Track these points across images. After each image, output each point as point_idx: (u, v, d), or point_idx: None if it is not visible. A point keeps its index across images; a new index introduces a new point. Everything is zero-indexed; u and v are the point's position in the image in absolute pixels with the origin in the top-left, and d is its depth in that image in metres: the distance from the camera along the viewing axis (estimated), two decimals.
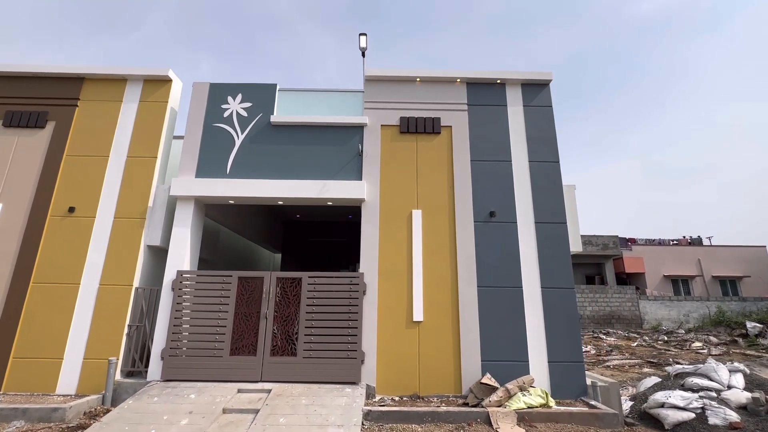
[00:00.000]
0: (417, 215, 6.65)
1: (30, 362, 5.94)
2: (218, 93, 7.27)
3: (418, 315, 6.20)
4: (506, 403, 5.25)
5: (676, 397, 5.84)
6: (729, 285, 24.21)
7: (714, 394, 5.94)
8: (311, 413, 5.01)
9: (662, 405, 5.88)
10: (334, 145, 7.01)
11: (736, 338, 15.99)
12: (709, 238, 27.61)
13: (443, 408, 5.21)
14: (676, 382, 6.55)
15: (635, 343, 16.74)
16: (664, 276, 24.21)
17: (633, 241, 27.14)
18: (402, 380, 5.96)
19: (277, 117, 7.05)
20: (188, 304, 6.21)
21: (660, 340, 17.27)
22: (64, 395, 5.80)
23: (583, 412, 5.15)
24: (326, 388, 5.74)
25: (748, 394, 5.72)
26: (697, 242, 28.02)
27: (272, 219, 12.10)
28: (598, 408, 5.34)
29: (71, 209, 6.58)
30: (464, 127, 7.10)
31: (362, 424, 4.93)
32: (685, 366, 6.86)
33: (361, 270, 6.42)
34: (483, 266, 6.42)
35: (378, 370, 5.97)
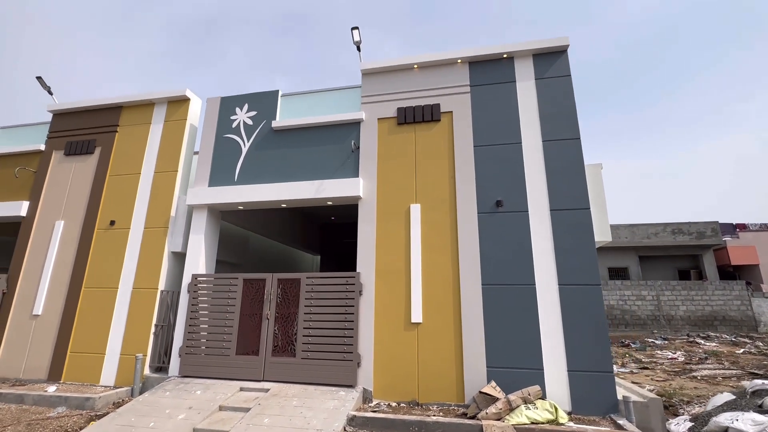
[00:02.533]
0: (415, 210, 6.24)
1: (82, 356, 6.87)
2: (228, 105, 7.68)
3: (416, 316, 5.80)
4: (506, 417, 4.62)
5: (745, 421, 4.61)
6: None
7: None
8: (296, 415, 4.97)
9: (726, 430, 4.68)
10: (332, 144, 6.93)
11: None
12: None
13: (432, 418, 4.77)
14: (752, 401, 5.18)
15: (741, 350, 13.87)
16: None
17: (742, 227, 22.56)
18: (400, 385, 5.62)
19: (277, 122, 7.21)
20: (202, 305, 6.63)
21: None
22: (105, 386, 6.59)
23: None
24: (321, 390, 5.66)
25: None
26: None
27: (308, 222, 12.49)
28: (625, 429, 4.42)
29: (112, 222, 7.48)
30: (466, 111, 6.50)
31: (344, 430, 4.74)
32: (766, 381, 5.39)
33: (358, 270, 6.23)
34: (488, 262, 5.78)
35: (375, 374, 5.72)
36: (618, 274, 21.56)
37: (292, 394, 5.55)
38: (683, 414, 6.55)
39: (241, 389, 5.84)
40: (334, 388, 5.68)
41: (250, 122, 7.44)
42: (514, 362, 5.35)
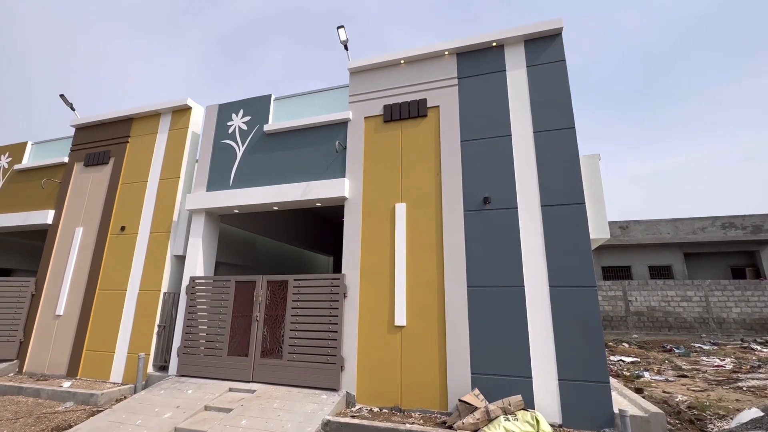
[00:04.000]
0: (401, 209, 6.05)
1: (95, 354, 7.32)
2: (225, 112, 7.88)
3: (400, 319, 5.61)
4: (483, 428, 4.33)
5: None
6: None
7: None
8: (273, 418, 4.96)
9: None
10: (321, 145, 6.90)
11: None
12: None
13: (406, 426, 4.58)
14: None
15: None
16: None
17: None
18: (383, 390, 5.46)
19: (269, 125, 7.29)
20: (199, 306, 6.84)
21: None
22: (113, 383, 6.98)
23: None
24: (305, 392, 5.63)
25: None
26: None
27: (320, 223, 12.60)
28: None
29: (122, 228, 7.92)
30: (454, 105, 6.21)
31: None
32: None
33: (343, 271, 6.14)
34: (474, 262, 5.47)
35: (358, 378, 5.60)
36: (660, 273, 19.90)
37: (275, 396, 5.56)
38: (713, 430, 5.86)
39: (230, 390, 5.95)
40: (317, 391, 5.63)
41: (244, 127, 7.59)
42: (501, 369, 5.01)
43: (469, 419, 4.43)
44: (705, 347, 14.48)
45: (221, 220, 8.12)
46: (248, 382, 6.09)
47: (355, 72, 7.01)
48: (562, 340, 4.88)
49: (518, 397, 4.55)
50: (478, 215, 5.63)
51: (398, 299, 5.69)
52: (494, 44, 6.23)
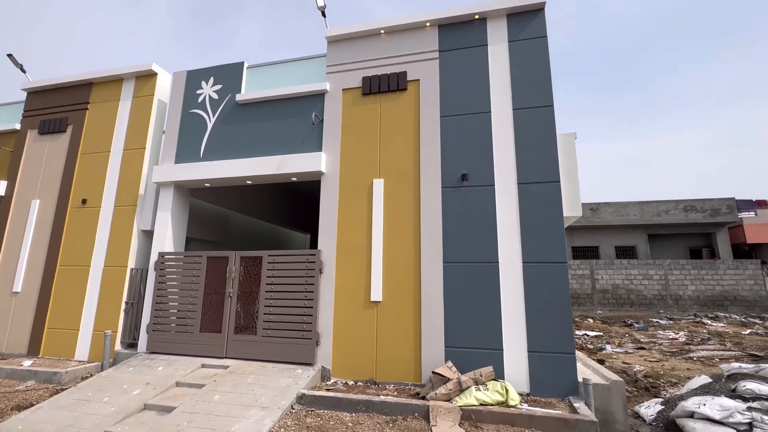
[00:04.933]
0: (378, 185, 5.96)
1: (58, 332, 7.01)
2: (194, 79, 7.43)
3: (376, 295, 5.62)
4: (455, 398, 4.46)
5: (713, 405, 4.33)
6: None
7: None
8: (247, 392, 4.93)
9: (692, 415, 4.42)
10: (296, 117, 6.64)
11: None
12: None
13: (380, 398, 4.65)
14: (726, 385, 4.86)
15: (748, 331, 13.34)
16: None
17: (763, 203, 21.36)
18: (358, 364, 5.51)
19: (241, 95, 6.94)
20: (169, 282, 6.61)
21: None
22: (79, 361, 6.73)
23: (549, 415, 4.09)
24: (279, 367, 5.61)
25: None
26: None
27: (297, 200, 12.35)
28: (578, 412, 4.20)
29: (84, 201, 7.46)
30: (434, 79, 6.07)
31: (291, 408, 4.68)
32: (744, 365, 5.05)
33: (319, 247, 6.05)
34: (451, 239, 5.50)
35: (334, 353, 5.62)
36: (625, 253, 20.88)
37: (249, 372, 5.52)
38: (666, 396, 6.29)
39: (203, 366, 5.86)
40: (292, 366, 5.62)
41: (215, 96, 7.20)
42: (474, 342, 5.14)
43: (441, 390, 4.55)
44: (662, 322, 15.46)
45: (192, 194, 7.79)
46: (221, 358, 6.01)
47: (333, 41, 6.71)
48: (532, 314, 5.03)
49: (489, 368, 4.69)
50: (455, 192, 5.63)
51: (375, 275, 5.68)
52: (477, 17, 6.08)
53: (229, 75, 7.20)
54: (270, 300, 6.00)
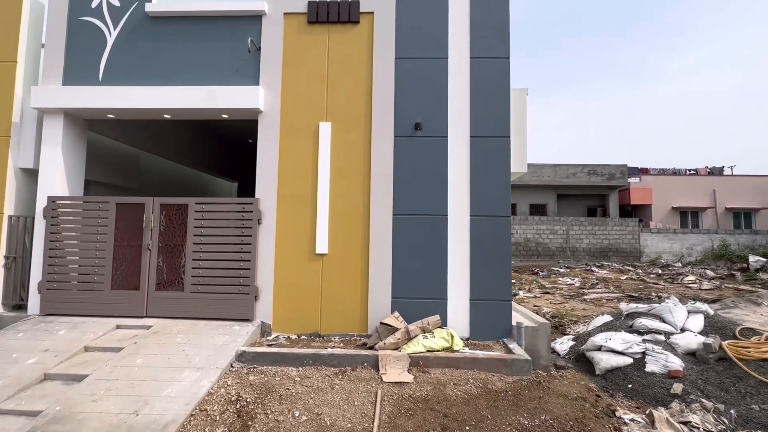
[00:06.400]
0: (325, 129, 5.44)
1: None
2: None
3: (321, 247, 5.32)
4: (404, 347, 4.54)
5: (616, 339, 5.03)
6: (743, 217, 22.51)
7: (662, 338, 5.09)
8: (177, 353, 4.43)
9: (600, 348, 5.10)
10: (227, 42, 5.62)
11: (734, 272, 14.92)
12: (731, 168, 25.23)
13: (328, 350, 4.55)
14: (625, 322, 5.71)
15: (625, 277, 15.96)
16: (673, 208, 22.60)
17: (645, 171, 25.05)
18: (302, 318, 5.30)
19: (153, 6, 5.60)
20: (65, 233, 5.49)
21: (653, 274, 16.40)
22: None
23: (490, 357, 4.40)
24: (213, 325, 5.14)
25: (701, 339, 4.83)
26: (718, 172, 25.73)
27: (222, 144, 11.03)
28: (513, 352, 4.58)
29: None
30: (390, 14, 5.52)
31: (231, 366, 4.34)
32: (639, 305, 5.97)
33: (257, 195, 5.45)
34: (402, 190, 5.34)
35: (274, 307, 5.30)
36: (538, 210, 23.20)
37: (177, 331, 4.97)
38: (570, 333, 7.25)
39: (118, 327, 5.12)
40: (228, 323, 5.19)
41: (116, 3, 5.72)
42: (420, 293, 5.22)
43: (390, 339, 4.58)
44: (561, 270, 17.82)
45: (89, 127, 6.37)
46: (142, 317, 5.30)
47: None
48: (476, 264, 5.23)
49: (436, 317, 4.83)
50: (408, 141, 5.38)
51: (320, 226, 5.34)
52: None
53: None
54: (200, 253, 5.34)
